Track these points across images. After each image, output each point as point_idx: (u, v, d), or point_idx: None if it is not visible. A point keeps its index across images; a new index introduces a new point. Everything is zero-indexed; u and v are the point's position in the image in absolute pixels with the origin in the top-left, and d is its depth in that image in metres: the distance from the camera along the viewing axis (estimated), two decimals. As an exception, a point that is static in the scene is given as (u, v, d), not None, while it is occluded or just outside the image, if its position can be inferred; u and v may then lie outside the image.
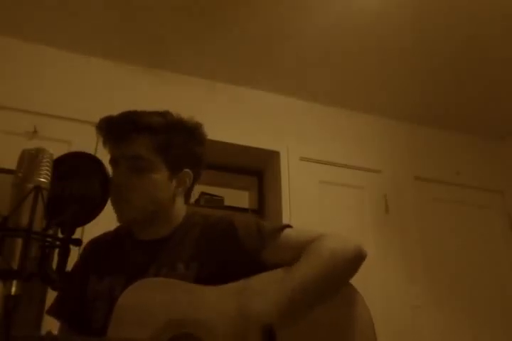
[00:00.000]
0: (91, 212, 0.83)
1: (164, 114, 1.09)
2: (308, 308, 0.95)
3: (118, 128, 1.05)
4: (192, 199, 2.99)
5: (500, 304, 2.99)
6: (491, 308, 2.95)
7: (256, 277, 0.98)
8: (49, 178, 0.70)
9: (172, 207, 1.10)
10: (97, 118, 1.09)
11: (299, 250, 1.00)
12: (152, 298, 0.91)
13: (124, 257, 1.09)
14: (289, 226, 1.09)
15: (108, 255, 1.11)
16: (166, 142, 1.05)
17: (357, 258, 1.00)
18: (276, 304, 0.91)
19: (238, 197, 3.18)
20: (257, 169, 3.11)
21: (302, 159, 2.93)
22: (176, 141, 1.07)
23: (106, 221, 1.07)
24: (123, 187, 1.01)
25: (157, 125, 1.05)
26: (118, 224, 1.13)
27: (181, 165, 1.08)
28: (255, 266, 1.00)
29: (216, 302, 0.94)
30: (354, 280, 1.03)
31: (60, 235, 0.72)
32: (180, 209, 1.12)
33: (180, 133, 1.08)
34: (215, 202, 2.93)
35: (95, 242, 1.17)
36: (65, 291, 1.09)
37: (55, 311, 1.11)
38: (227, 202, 2.99)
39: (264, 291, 0.93)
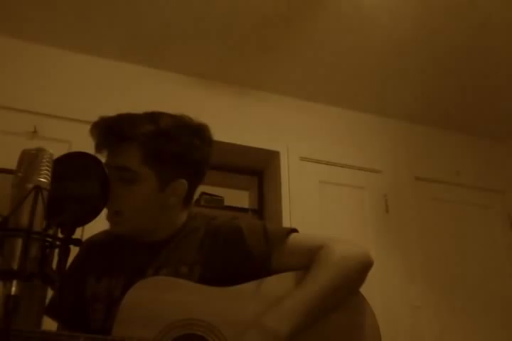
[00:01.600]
0: (91, 212, 0.83)
1: (158, 120, 1.02)
2: (320, 316, 0.95)
3: (107, 137, 1.01)
4: (192, 200, 3.00)
5: (500, 304, 2.99)
6: (491, 308, 2.95)
7: (265, 281, 0.97)
8: (49, 178, 0.69)
9: (167, 215, 1.07)
10: (97, 119, 1.06)
11: (306, 256, 0.99)
12: (158, 298, 0.91)
13: (123, 258, 1.08)
14: (294, 230, 1.07)
15: (106, 255, 1.09)
16: (155, 153, 0.99)
17: (366, 267, 1.00)
18: (294, 320, 0.89)
19: (238, 197, 3.18)
20: (257, 169, 3.11)
21: (302, 159, 2.92)
22: (167, 150, 1.00)
23: (106, 221, 1.07)
24: (112, 196, 0.98)
25: (146, 136, 0.99)
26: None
27: (173, 175, 1.02)
28: (261, 271, 0.99)
29: (222, 303, 0.93)
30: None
31: (60, 235, 0.72)
32: (178, 214, 1.09)
33: (176, 140, 1.01)
34: (215, 202, 2.93)
35: (92, 242, 1.14)
36: (60, 291, 1.07)
37: (51, 311, 1.10)
38: (227, 202, 2.99)
39: (279, 302, 0.91)
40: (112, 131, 1.00)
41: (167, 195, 1.03)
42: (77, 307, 1.05)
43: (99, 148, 1.03)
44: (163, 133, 1.01)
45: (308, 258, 0.99)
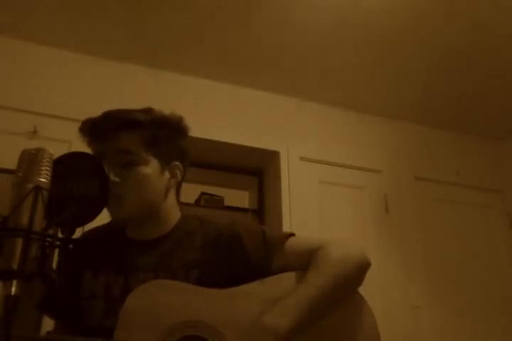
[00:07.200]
0: (91, 212, 0.83)
1: (147, 111, 1.10)
2: (320, 316, 0.96)
3: (104, 127, 1.04)
4: (192, 199, 3.00)
5: (500, 304, 2.99)
6: (491, 308, 2.95)
7: (265, 281, 0.98)
8: (49, 178, 0.69)
9: (165, 203, 1.08)
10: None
11: (305, 258, 1.00)
12: (159, 301, 0.91)
13: (121, 256, 1.06)
14: (292, 234, 1.08)
15: (102, 251, 1.08)
16: (153, 136, 1.06)
17: (364, 267, 1.02)
18: (293, 316, 0.90)
19: (238, 197, 3.18)
20: (257, 169, 3.11)
21: (302, 159, 2.93)
22: (162, 135, 1.07)
23: (106, 221, 1.07)
24: (113, 182, 0.99)
25: (143, 121, 1.06)
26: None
27: (171, 158, 1.09)
28: (259, 275, 1.00)
29: (223, 304, 0.93)
30: (354, 280, 1.03)
31: (60, 235, 0.72)
32: (173, 207, 1.10)
33: (165, 128, 1.09)
34: (215, 202, 2.94)
35: (86, 237, 1.11)
36: (56, 287, 1.03)
37: (46, 308, 1.07)
38: (227, 202, 2.99)
39: (278, 301, 0.92)
40: (109, 120, 1.04)
41: (167, 178, 1.08)
42: (74, 303, 1.04)
43: (95, 138, 1.05)
44: (156, 120, 1.08)
45: (307, 261, 1.00)
